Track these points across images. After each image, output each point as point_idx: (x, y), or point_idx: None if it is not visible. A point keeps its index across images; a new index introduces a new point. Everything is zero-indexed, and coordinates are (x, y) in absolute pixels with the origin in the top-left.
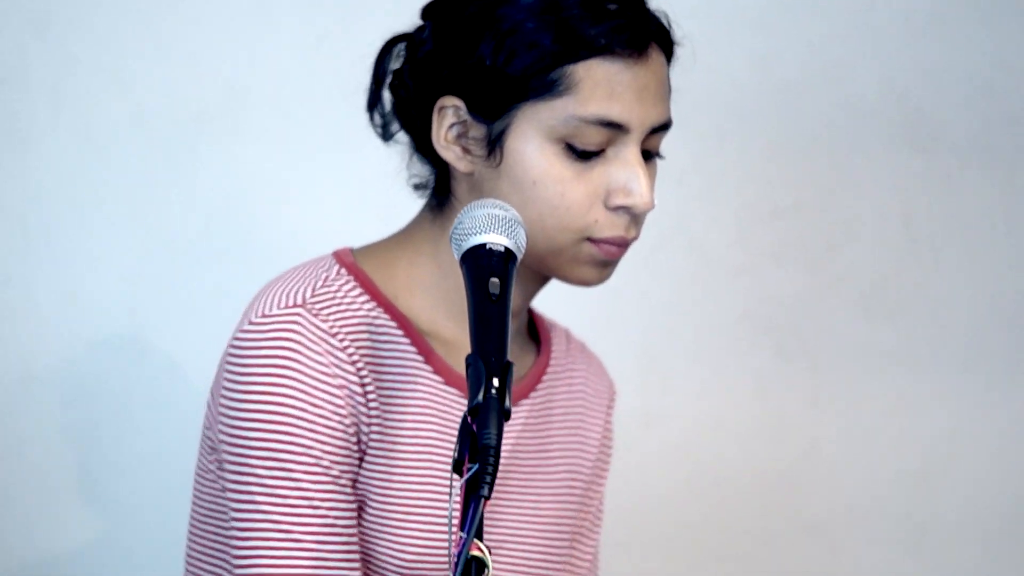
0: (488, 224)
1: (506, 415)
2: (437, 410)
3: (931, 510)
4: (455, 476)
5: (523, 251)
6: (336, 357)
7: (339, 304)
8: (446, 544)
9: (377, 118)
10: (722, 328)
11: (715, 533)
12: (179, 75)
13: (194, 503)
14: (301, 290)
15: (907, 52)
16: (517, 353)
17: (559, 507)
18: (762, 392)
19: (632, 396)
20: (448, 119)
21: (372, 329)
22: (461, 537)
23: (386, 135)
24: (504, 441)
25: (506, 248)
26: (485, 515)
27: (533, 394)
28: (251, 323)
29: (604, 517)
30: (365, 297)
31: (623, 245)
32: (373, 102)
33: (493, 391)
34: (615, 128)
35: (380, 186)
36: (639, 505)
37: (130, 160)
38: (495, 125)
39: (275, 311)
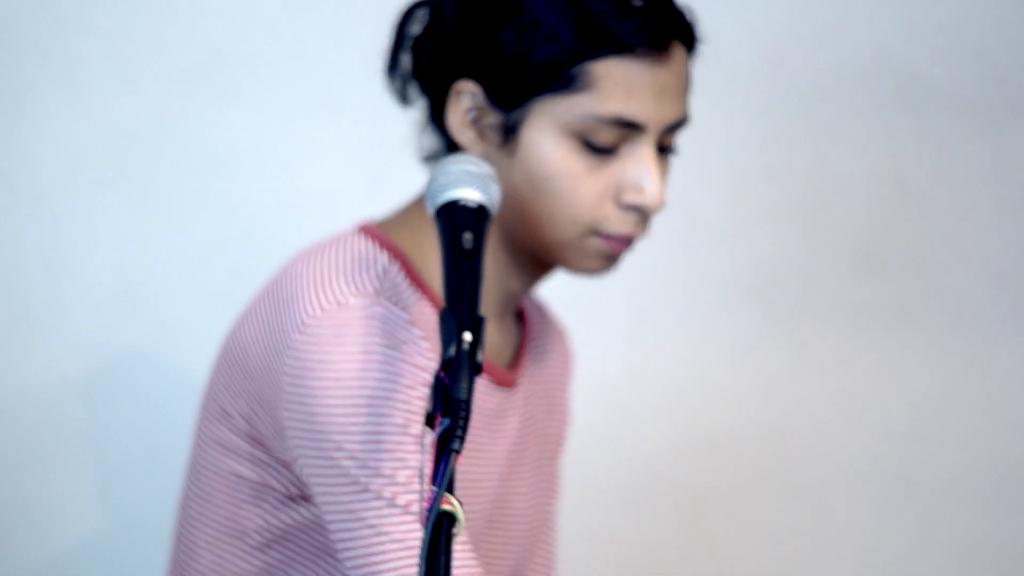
0: (461, 180)
1: (477, 369)
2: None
3: (919, 470)
4: (427, 430)
5: (497, 207)
6: (420, 345)
7: (401, 293)
8: (476, 529)
9: (396, 82)
10: (711, 288)
11: (702, 494)
12: (169, 34)
13: (194, 467)
14: (366, 277)
15: (898, 12)
16: (510, 334)
17: (540, 476)
18: (751, 352)
19: (620, 357)
20: (464, 103)
21: (423, 318)
22: (433, 491)
23: (404, 98)
24: (512, 421)
25: (479, 203)
26: (496, 493)
27: (526, 366)
28: (324, 311)
29: (585, 479)
30: (413, 287)
31: (630, 242)
32: (392, 65)
33: (465, 346)
34: (631, 127)
35: (370, 148)
36: (626, 466)
37: (119, 119)
38: (511, 115)
39: (352, 300)
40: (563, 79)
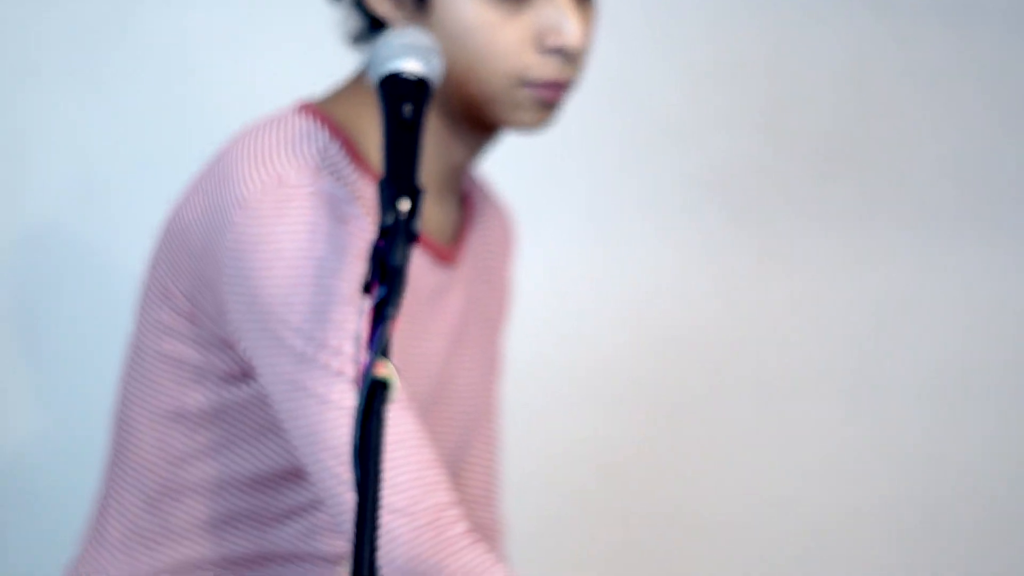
0: (403, 51)
1: (414, 237)
2: (413, 282)
3: (883, 370)
4: (364, 297)
5: (439, 78)
6: (361, 220)
7: (342, 170)
8: (421, 408)
9: None
10: (671, 188)
11: (662, 393)
12: None
13: (135, 349)
14: (306, 153)
15: None
16: (452, 213)
17: (483, 356)
18: (711, 252)
19: (580, 257)
20: None
21: (364, 195)
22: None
23: None
24: (454, 300)
25: (420, 76)
26: (440, 371)
27: (469, 244)
28: (263, 187)
29: (542, 379)
30: (353, 165)
31: (560, 87)
32: None
33: (402, 214)
34: None
35: (333, 41)
36: (586, 364)
37: (79, 12)
38: None
39: (292, 176)
40: None
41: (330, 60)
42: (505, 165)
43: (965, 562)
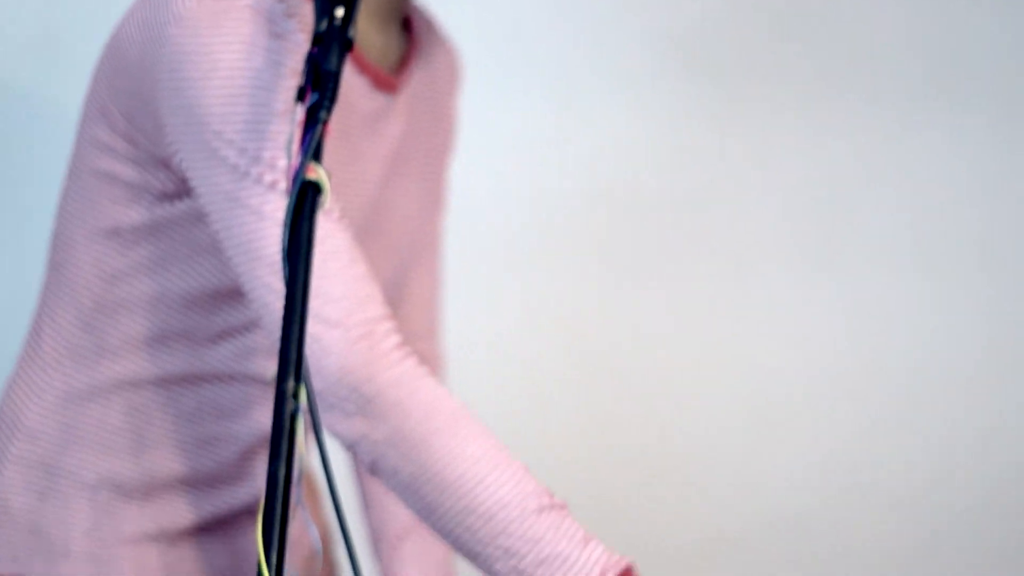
0: None
1: (348, 45)
2: (350, 105)
3: (843, 234)
4: (298, 105)
5: None
6: (298, 36)
7: None
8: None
9: None
10: (634, 50)
11: (622, 253)
12: None
13: (73, 168)
14: None
15: None
16: (395, 41)
17: (426, 189)
18: (674, 114)
19: (542, 115)
20: None
21: (301, 14)
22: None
23: None
24: (393, 127)
25: None
26: (375, 197)
27: (412, 74)
28: (199, 2)
29: (497, 234)
30: None
31: None
32: None
33: (336, 21)
34: None
35: None
36: (543, 224)
37: None
38: None
39: None
40: None
41: None
42: (469, 26)
43: (924, 423)
